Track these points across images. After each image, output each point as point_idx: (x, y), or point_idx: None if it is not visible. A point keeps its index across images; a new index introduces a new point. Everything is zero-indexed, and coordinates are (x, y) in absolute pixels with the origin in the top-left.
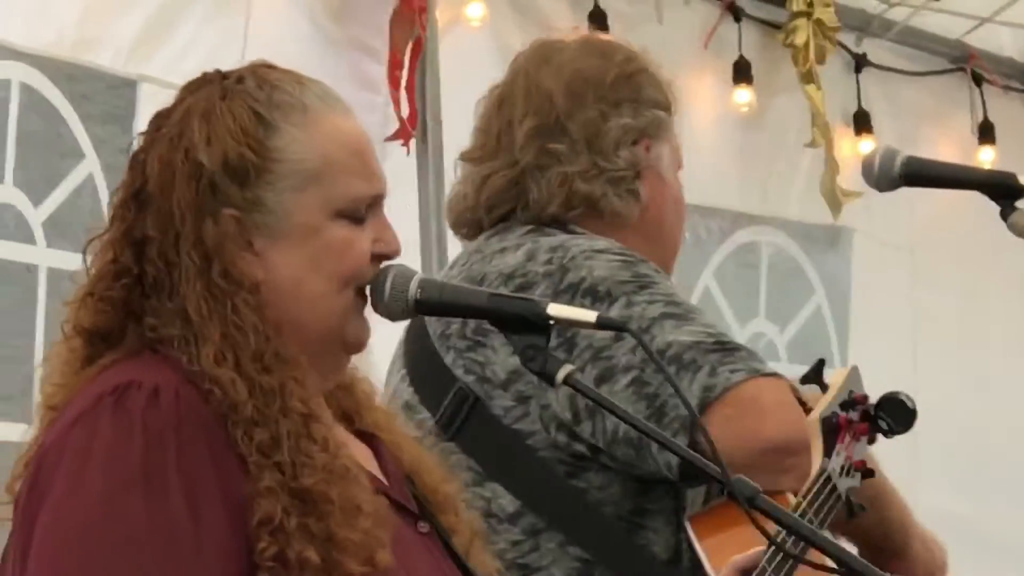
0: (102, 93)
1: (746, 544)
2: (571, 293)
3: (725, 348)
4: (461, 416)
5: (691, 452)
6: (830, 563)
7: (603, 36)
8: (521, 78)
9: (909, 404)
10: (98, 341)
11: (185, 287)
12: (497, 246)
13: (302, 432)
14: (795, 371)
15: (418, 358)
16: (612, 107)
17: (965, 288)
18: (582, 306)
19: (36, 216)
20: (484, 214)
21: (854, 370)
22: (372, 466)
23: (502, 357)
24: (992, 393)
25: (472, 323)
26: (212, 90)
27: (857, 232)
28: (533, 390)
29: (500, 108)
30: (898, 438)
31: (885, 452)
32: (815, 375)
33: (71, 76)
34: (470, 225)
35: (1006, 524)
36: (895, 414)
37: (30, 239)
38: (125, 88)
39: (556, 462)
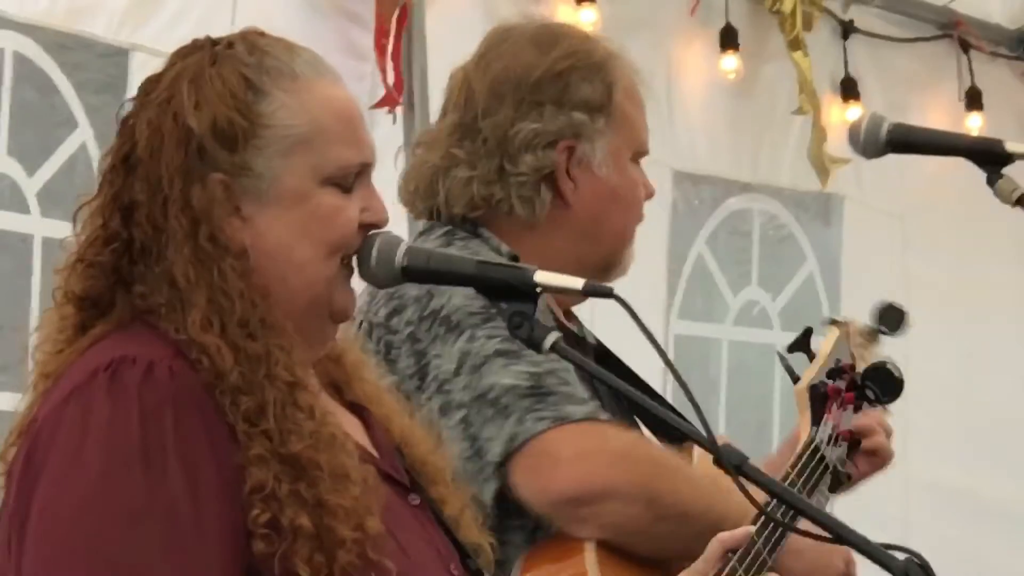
0: (95, 62)
1: None
2: (431, 320)
3: (539, 393)
4: None
5: (678, 419)
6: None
7: (559, 24)
8: (467, 67)
9: (896, 373)
10: (89, 307)
11: (172, 252)
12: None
13: (288, 399)
14: (788, 339)
15: None
16: (531, 108)
17: (956, 255)
18: (436, 336)
19: (30, 185)
20: (418, 204)
21: (841, 338)
22: (362, 437)
23: (402, 366)
24: (982, 360)
25: (389, 336)
26: (202, 56)
27: (847, 199)
28: (411, 397)
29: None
30: (888, 406)
31: None
32: (802, 344)
33: (64, 45)
34: (411, 208)
35: (996, 492)
36: (882, 383)
37: (24, 208)
38: (118, 57)
39: None
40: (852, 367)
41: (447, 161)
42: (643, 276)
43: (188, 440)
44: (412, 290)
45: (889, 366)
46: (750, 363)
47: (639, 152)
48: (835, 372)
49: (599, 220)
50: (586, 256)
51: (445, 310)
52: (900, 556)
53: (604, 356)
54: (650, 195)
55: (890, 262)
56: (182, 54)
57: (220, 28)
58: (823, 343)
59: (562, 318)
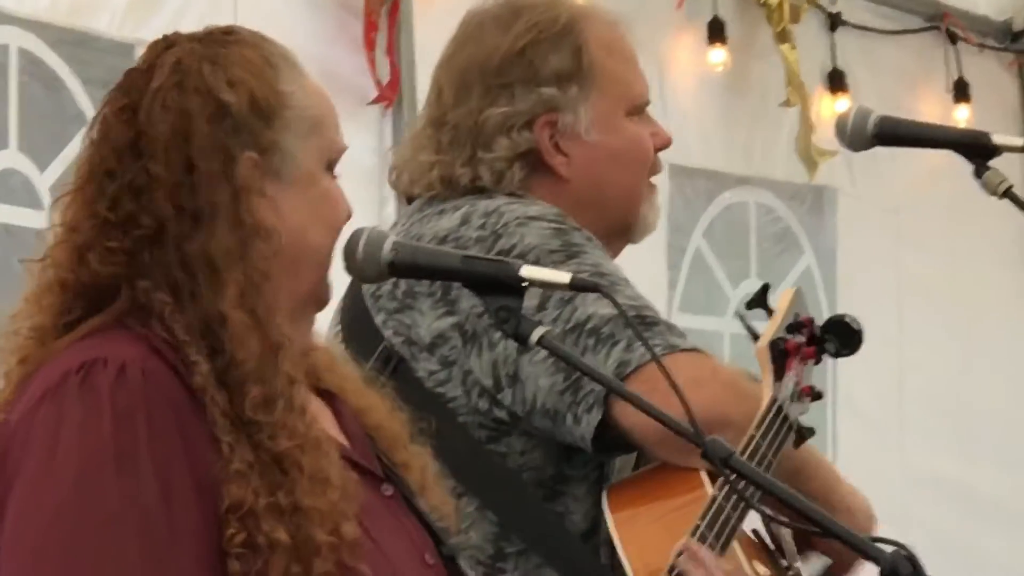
0: (100, 57)
1: (659, 516)
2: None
3: (644, 322)
4: (384, 376)
5: (662, 412)
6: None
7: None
8: (440, 60)
9: (854, 325)
10: (94, 296)
11: (208, 227)
12: (437, 208)
13: (287, 394)
14: None
15: (352, 316)
16: (500, 92)
17: (949, 249)
18: None
19: (42, 181)
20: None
21: (798, 292)
22: (332, 427)
23: (428, 320)
24: (978, 353)
25: (403, 284)
26: (201, 44)
27: (841, 192)
28: (456, 355)
29: None
30: (884, 399)
31: (870, 411)
32: (759, 300)
33: (68, 41)
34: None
35: (991, 483)
36: (841, 335)
37: (37, 204)
38: (123, 52)
39: (476, 427)
40: (811, 320)
41: (414, 152)
42: (643, 270)
43: (161, 442)
44: (471, 231)
45: (847, 319)
46: (752, 356)
47: (635, 105)
48: (794, 327)
49: (601, 185)
50: (595, 223)
51: (518, 249)
52: (888, 548)
53: None
54: (666, 143)
55: (884, 256)
56: (159, 47)
57: (222, 22)
58: (780, 298)
59: None
